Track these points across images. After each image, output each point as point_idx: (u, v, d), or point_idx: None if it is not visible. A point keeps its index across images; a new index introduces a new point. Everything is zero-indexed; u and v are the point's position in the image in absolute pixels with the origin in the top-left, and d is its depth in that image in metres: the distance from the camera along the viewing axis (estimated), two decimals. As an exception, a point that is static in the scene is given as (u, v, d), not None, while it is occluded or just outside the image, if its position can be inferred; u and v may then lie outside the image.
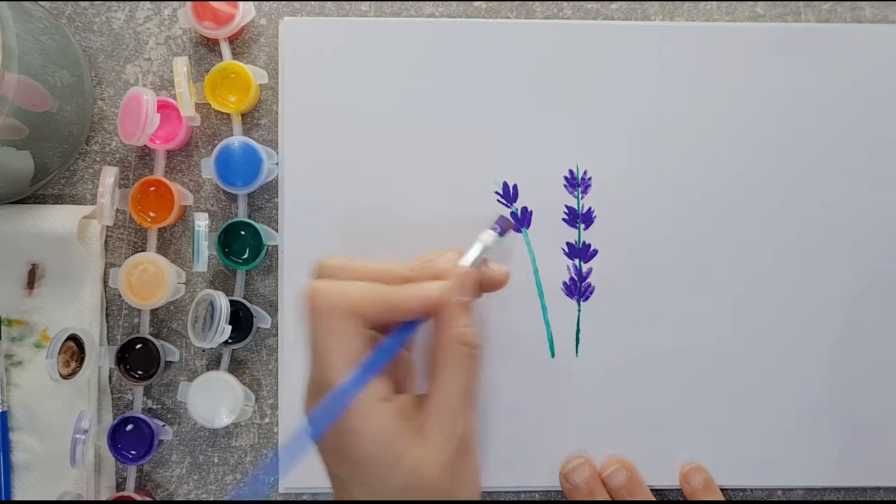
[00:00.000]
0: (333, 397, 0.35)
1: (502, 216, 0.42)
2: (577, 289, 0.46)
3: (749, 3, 0.48)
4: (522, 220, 0.46)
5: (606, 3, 0.48)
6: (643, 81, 0.46)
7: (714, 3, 0.48)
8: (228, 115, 0.47)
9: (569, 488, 0.45)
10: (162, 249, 0.47)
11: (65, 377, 0.44)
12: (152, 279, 0.45)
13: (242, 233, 0.46)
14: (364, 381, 0.35)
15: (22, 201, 0.47)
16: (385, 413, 0.36)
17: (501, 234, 0.41)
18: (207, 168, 0.45)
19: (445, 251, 0.40)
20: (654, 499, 0.45)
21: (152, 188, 0.46)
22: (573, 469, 0.45)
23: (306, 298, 0.36)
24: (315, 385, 0.38)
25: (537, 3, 0.48)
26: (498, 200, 0.46)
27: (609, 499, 0.45)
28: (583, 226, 0.46)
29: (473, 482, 0.38)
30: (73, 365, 0.44)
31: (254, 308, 0.46)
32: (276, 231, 0.46)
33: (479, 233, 0.41)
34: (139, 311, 0.47)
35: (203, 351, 0.47)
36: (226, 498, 0.34)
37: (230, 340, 0.46)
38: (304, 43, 0.46)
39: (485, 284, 0.40)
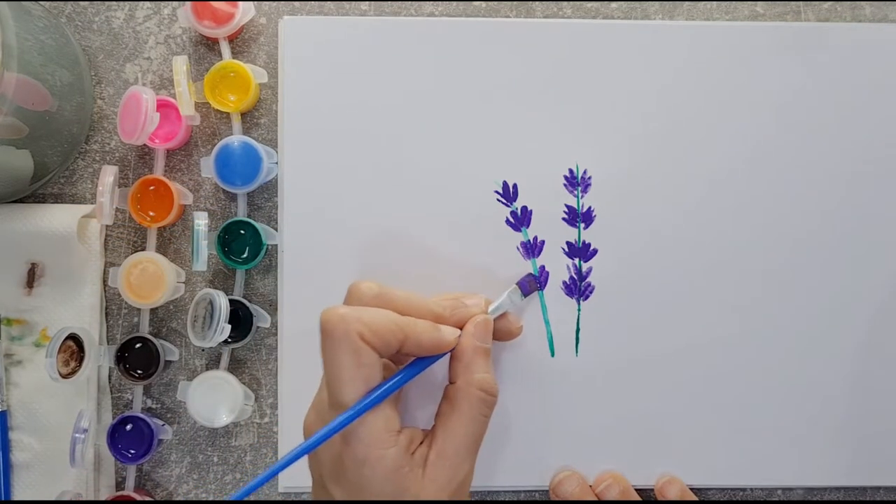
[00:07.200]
0: (343, 418, 0.36)
1: (530, 275, 0.45)
2: (577, 288, 0.46)
3: (749, 2, 0.48)
4: (522, 220, 0.46)
5: (606, 2, 0.48)
6: (643, 80, 0.46)
7: (714, 2, 0.48)
8: (228, 114, 0.47)
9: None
10: (161, 249, 0.47)
11: (64, 376, 0.44)
12: (152, 278, 0.45)
13: (242, 232, 0.46)
14: (372, 406, 0.36)
15: (21, 200, 0.47)
16: (394, 446, 0.36)
17: (526, 294, 0.44)
18: (207, 167, 0.45)
19: (474, 294, 0.42)
20: None
21: (152, 187, 0.46)
22: (560, 482, 0.45)
23: (323, 322, 0.36)
24: (321, 403, 0.38)
25: (537, 2, 0.48)
26: (498, 199, 0.46)
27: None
28: (583, 225, 0.46)
29: None
30: (72, 364, 0.44)
31: (253, 307, 0.46)
32: (276, 230, 0.46)
33: (500, 272, 0.45)
34: (139, 310, 0.47)
35: (202, 350, 0.47)
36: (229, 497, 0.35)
37: (230, 340, 0.46)
38: (304, 42, 0.46)
39: (500, 333, 0.43)
